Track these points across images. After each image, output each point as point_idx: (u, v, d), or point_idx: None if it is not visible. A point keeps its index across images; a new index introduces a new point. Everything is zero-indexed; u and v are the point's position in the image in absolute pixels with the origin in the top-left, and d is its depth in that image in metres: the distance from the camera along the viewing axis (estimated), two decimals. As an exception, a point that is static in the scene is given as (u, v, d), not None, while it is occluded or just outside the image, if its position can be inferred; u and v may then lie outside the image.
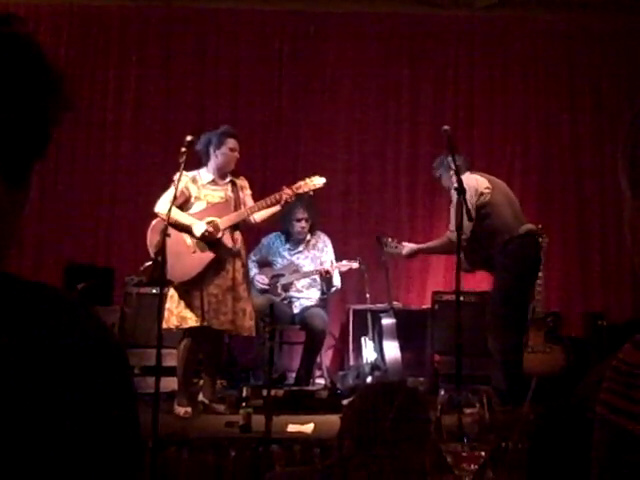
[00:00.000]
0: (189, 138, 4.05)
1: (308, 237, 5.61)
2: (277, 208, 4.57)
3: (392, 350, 5.34)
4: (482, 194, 4.55)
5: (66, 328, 0.70)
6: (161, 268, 3.81)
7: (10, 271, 0.72)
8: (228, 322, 4.45)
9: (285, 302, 5.43)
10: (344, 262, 5.47)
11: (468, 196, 4.46)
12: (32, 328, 0.67)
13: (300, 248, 5.59)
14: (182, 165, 4.06)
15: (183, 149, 4.04)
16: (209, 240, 4.44)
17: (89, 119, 6.51)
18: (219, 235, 4.45)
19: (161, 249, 3.83)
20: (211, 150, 4.59)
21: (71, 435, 0.66)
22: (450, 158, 4.64)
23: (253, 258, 5.54)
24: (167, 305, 4.38)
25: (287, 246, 5.60)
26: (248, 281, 4.73)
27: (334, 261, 5.53)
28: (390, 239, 4.64)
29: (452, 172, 4.60)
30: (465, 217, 4.04)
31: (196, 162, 4.60)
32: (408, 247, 4.54)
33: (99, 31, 6.62)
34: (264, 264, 5.63)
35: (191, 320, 4.39)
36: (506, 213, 4.61)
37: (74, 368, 0.68)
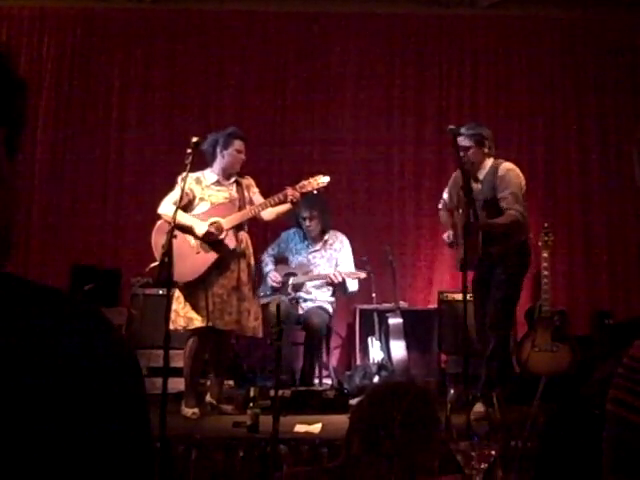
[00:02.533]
0: (195, 139, 4.06)
1: (326, 237, 5.52)
2: (287, 206, 4.54)
3: (399, 350, 5.34)
4: (524, 186, 4.62)
5: (74, 332, 0.69)
6: (168, 269, 3.81)
7: (16, 272, 0.72)
8: (233, 322, 4.45)
9: (293, 302, 5.38)
10: (352, 272, 5.39)
11: (517, 182, 4.57)
12: (40, 331, 0.66)
13: (317, 247, 5.49)
14: (188, 166, 4.06)
15: (189, 150, 4.05)
16: (211, 240, 4.44)
17: (94, 120, 6.54)
18: (223, 235, 4.45)
19: (168, 250, 3.84)
20: (218, 150, 4.58)
21: (81, 440, 0.65)
22: (486, 132, 4.63)
23: (270, 252, 5.50)
24: (173, 306, 4.38)
25: (305, 243, 5.52)
26: (253, 281, 4.70)
27: (351, 262, 5.46)
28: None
29: (485, 150, 4.61)
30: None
31: (201, 164, 4.60)
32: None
33: (104, 33, 6.63)
34: (280, 260, 5.56)
35: (197, 321, 4.40)
36: (527, 214, 4.66)
37: (83, 372, 0.67)
